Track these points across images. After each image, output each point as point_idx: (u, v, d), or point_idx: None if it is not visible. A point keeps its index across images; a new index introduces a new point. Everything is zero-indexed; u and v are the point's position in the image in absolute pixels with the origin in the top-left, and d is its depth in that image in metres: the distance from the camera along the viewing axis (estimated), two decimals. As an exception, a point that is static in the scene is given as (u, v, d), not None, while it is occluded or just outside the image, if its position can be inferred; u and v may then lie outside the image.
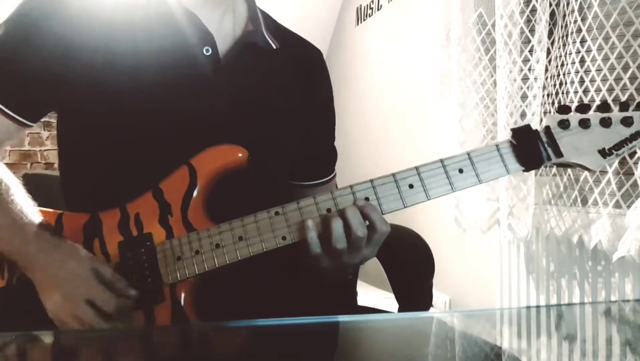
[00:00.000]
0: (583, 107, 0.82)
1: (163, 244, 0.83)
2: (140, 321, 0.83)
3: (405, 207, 0.81)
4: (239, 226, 0.82)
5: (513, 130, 0.83)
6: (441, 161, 0.82)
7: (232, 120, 0.91)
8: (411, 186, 0.81)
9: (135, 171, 0.87)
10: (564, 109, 0.83)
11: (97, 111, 0.88)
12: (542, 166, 0.83)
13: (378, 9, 3.11)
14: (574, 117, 0.82)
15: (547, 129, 0.82)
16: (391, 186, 0.81)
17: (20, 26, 0.88)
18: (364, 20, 3.32)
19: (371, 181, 0.82)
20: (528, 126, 0.84)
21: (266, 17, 1.03)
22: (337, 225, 0.80)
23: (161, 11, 0.91)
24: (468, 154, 0.82)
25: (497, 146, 0.82)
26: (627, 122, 0.81)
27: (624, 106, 0.83)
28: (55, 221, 0.87)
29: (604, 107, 0.83)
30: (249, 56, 0.95)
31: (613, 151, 0.81)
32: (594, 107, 0.83)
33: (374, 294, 2.64)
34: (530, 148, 0.82)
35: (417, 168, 0.82)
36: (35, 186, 0.98)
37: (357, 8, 3.40)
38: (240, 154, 0.86)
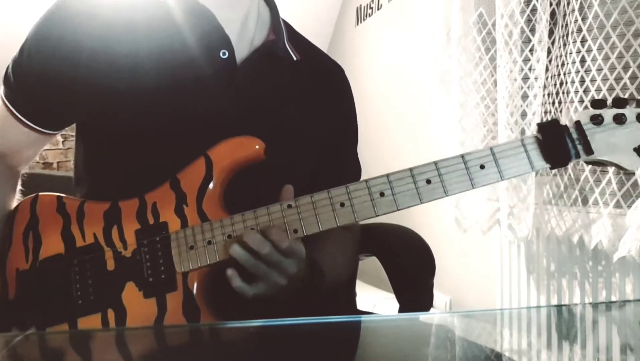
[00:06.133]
0: (619, 102, 0.78)
1: (177, 233, 0.84)
2: (149, 312, 0.83)
3: (421, 202, 0.78)
4: (251, 218, 0.82)
5: (539, 125, 0.79)
6: (462, 156, 0.78)
7: (245, 124, 0.91)
8: (428, 182, 0.78)
9: (152, 169, 0.88)
10: (598, 103, 0.78)
11: (115, 113, 0.89)
12: (571, 163, 0.78)
13: (378, 9, 3.10)
14: (608, 112, 0.77)
15: (578, 124, 0.78)
16: (407, 181, 0.79)
17: (36, 42, 0.91)
18: (364, 20, 3.32)
19: (387, 175, 0.79)
20: (556, 121, 0.79)
21: (288, 27, 1.02)
22: (240, 253, 0.80)
23: (181, 10, 0.91)
24: (491, 149, 0.78)
25: (522, 141, 0.78)
26: None
27: None
28: (77, 208, 0.90)
29: None
30: (267, 65, 0.95)
31: None
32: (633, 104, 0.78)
33: (374, 294, 2.64)
34: (557, 144, 0.77)
35: (435, 163, 0.79)
36: (34, 185, 0.99)
37: (357, 8, 3.40)
38: (257, 146, 0.86)
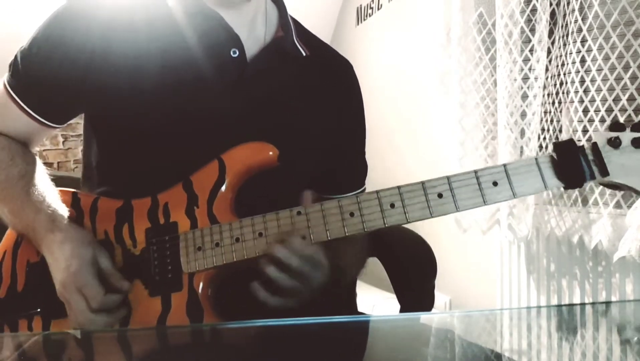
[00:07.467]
0: (638, 126, 0.77)
1: (186, 233, 0.85)
2: (153, 311, 0.84)
3: (432, 216, 0.77)
4: (260, 222, 0.82)
5: (555, 144, 0.78)
6: (475, 172, 0.77)
7: (255, 123, 0.91)
8: (440, 196, 0.77)
9: (164, 168, 0.89)
10: (616, 126, 0.77)
11: (127, 114, 0.90)
12: (586, 185, 0.77)
13: (378, 9, 3.11)
14: (626, 135, 0.76)
15: (595, 145, 0.77)
16: (419, 194, 0.78)
17: (47, 35, 0.91)
18: (364, 20, 3.32)
19: (398, 187, 0.79)
20: (571, 140, 0.78)
21: (297, 24, 1.03)
22: (272, 271, 0.80)
23: (189, 12, 0.92)
24: (504, 166, 0.78)
25: (536, 159, 0.78)
26: None
27: None
28: (91, 204, 0.91)
29: None
30: (277, 62, 0.96)
31: None
32: None
33: (374, 294, 2.64)
34: (572, 164, 0.76)
35: (448, 177, 0.78)
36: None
37: (357, 8, 3.40)
38: (270, 152, 0.87)
